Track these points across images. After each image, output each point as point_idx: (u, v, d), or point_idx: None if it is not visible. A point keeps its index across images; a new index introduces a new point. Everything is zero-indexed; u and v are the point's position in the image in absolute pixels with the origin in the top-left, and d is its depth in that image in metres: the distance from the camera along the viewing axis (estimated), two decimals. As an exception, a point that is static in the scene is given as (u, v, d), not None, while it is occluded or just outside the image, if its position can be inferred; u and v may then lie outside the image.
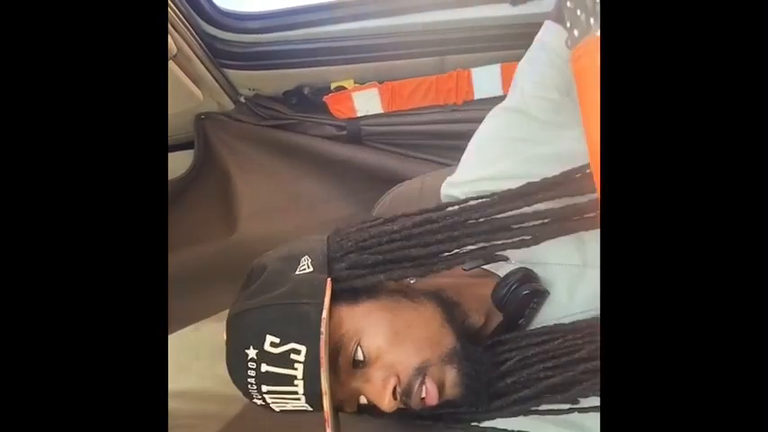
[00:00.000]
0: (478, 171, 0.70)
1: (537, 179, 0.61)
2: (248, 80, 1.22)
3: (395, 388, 0.58)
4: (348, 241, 0.64)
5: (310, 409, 0.58)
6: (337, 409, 0.62)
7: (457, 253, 0.62)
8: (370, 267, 0.62)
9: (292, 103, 1.24)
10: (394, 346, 0.60)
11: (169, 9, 0.96)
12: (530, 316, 0.65)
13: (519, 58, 0.70)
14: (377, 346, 0.59)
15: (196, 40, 1.09)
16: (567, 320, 0.63)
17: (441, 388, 0.60)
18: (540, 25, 0.68)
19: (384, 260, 0.61)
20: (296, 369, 0.56)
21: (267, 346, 0.57)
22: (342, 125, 1.24)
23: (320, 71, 1.19)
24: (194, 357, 1.43)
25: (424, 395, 0.59)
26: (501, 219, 0.61)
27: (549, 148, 0.65)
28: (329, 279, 0.60)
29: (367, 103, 1.22)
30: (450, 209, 0.64)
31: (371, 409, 0.63)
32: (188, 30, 1.05)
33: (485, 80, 1.17)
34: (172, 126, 1.21)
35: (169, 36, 0.97)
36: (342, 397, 0.61)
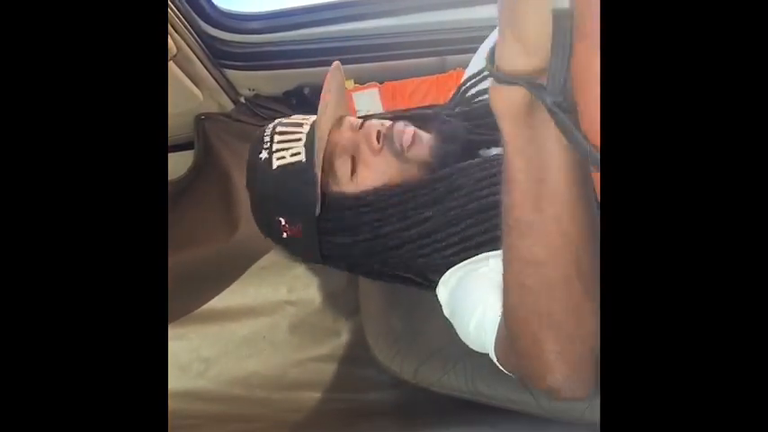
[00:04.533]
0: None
1: None
2: (248, 80, 1.22)
3: (378, 132, 0.67)
4: None
5: (304, 159, 0.66)
6: (328, 165, 0.68)
7: None
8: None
9: (292, 103, 1.24)
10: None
11: (169, 9, 0.96)
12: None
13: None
14: (374, 121, 0.70)
15: (196, 41, 1.09)
16: None
17: (416, 134, 0.68)
18: None
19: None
20: (308, 121, 0.70)
21: (287, 119, 0.72)
22: (342, 125, 1.24)
23: (320, 71, 1.19)
24: (194, 358, 1.43)
25: (403, 131, 0.67)
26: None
27: None
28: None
29: (367, 102, 1.22)
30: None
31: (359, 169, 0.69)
32: (188, 30, 1.05)
33: (485, 80, 1.18)
34: (172, 126, 1.21)
35: (169, 36, 0.97)
36: (337, 141, 0.69)
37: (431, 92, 1.20)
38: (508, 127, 0.39)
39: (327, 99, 0.67)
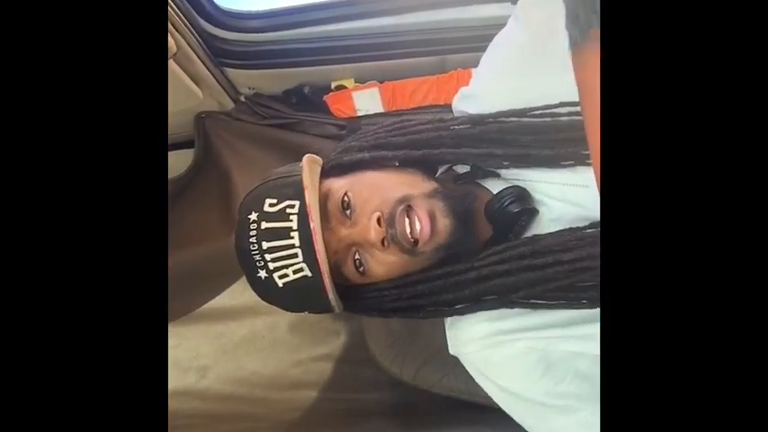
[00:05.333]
0: (492, 84, 0.73)
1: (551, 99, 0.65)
2: (248, 79, 1.22)
3: (379, 219, 0.62)
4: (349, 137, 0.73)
5: (309, 274, 0.61)
6: (335, 271, 0.64)
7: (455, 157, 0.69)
8: (358, 150, 0.69)
9: (293, 102, 1.24)
10: (378, 192, 0.64)
11: (169, 8, 0.96)
12: (518, 232, 0.68)
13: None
14: (363, 194, 0.65)
15: (196, 39, 1.09)
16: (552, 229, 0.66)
17: (432, 218, 0.63)
18: None
19: (374, 145, 0.69)
20: (291, 221, 0.61)
21: (266, 207, 0.63)
22: (342, 124, 1.23)
23: (321, 70, 1.19)
24: (194, 357, 1.43)
25: (409, 227, 0.62)
26: (499, 134, 0.67)
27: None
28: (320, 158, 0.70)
29: (368, 102, 1.21)
30: (461, 117, 0.71)
31: (368, 278, 0.66)
32: (188, 28, 1.05)
33: (486, 80, 1.17)
34: (172, 125, 1.21)
35: (169, 35, 0.97)
36: (336, 247, 0.64)
37: (431, 92, 1.20)
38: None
39: (312, 214, 0.61)
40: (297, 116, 1.23)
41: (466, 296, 0.65)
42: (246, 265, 0.64)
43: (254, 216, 0.63)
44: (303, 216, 0.61)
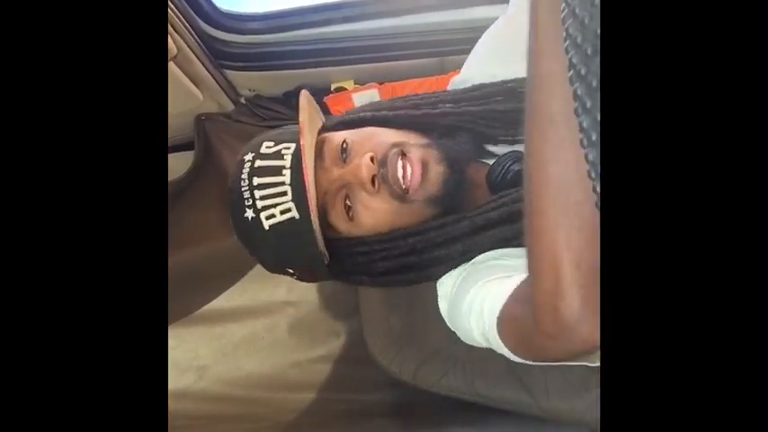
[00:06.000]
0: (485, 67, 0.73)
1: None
2: (248, 81, 1.22)
3: (372, 158, 0.61)
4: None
5: (297, 216, 0.60)
6: (323, 217, 0.64)
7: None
8: (360, 111, 0.71)
9: (293, 103, 1.24)
10: (376, 138, 0.64)
11: (169, 10, 0.96)
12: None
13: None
14: (360, 140, 0.64)
15: (196, 41, 1.09)
16: None
17: (424, 166, 0.62)
18: None
19: (376, 108, 0.70)
20: (285, 159, 0.62)
21: (263, 149, 0.64)
22: (342, 125, 1.24)
23: (320, 72, 1.20)
24: (193, 358, 1.43)
25: (402, 170, 0.61)
26: (500, 94, 0.66)
27: None
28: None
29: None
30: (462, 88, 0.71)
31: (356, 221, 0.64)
32: (188, 30, 1.05)
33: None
34: (172, 127, 1.21)
35: (169, 37, 0.97)
36: (326, 188, 0.63)
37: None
38: None
39: (304, 136, 0.61)
40: (297, 118, 1.24)
41: (458, 251, 0.63)
42: (234, 205, 0.63)
43: (249, 156, 0.64)
44: (297, 154, 0.61)
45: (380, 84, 1.20)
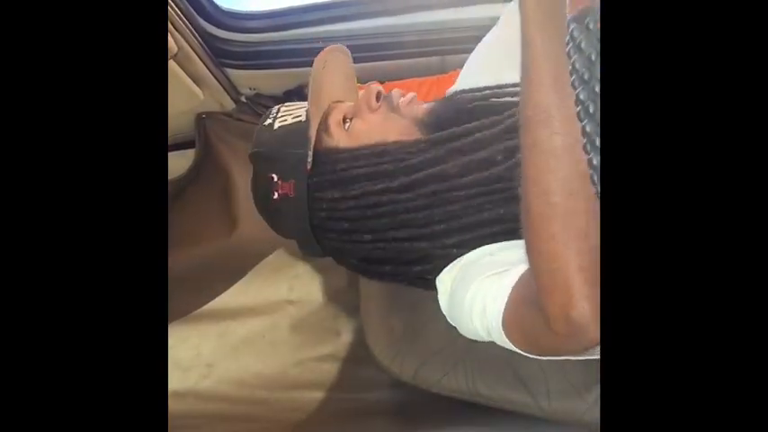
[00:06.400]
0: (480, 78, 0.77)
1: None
2: (249, 79, 1.22)
3: (379, 93, 0.70)
4: None
5: (304, 118, 0.68)
6: (324, 116, 0.70)
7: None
8: None
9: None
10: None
11: (169, 8, 0.96)
12: None
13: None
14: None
15: (197, 40, 1.09)
16: None
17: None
18: None
19: None
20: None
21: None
22: (342, 124, 1.23)
23: (321, 71, 1.19)
24: (195, 357, 1.43)
25: (401, 94, 0.69)
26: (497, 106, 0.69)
27: None
28: None
29: (368, 102, 1.21)
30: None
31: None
32: (188, 29, 1.05)
33: (485, 80, 1.18)
34: (172, 126, 1.21)
35: (169, 35, 0.97)
36: (336, 105, 0.71)
37: (431, 92, 1.20)
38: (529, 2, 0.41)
39: (324, 60, 0.70)
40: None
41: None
42: (260, 120, 0.73)
43: (279, 105, 0.74)
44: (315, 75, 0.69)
45: (381, 82, 1.20)
